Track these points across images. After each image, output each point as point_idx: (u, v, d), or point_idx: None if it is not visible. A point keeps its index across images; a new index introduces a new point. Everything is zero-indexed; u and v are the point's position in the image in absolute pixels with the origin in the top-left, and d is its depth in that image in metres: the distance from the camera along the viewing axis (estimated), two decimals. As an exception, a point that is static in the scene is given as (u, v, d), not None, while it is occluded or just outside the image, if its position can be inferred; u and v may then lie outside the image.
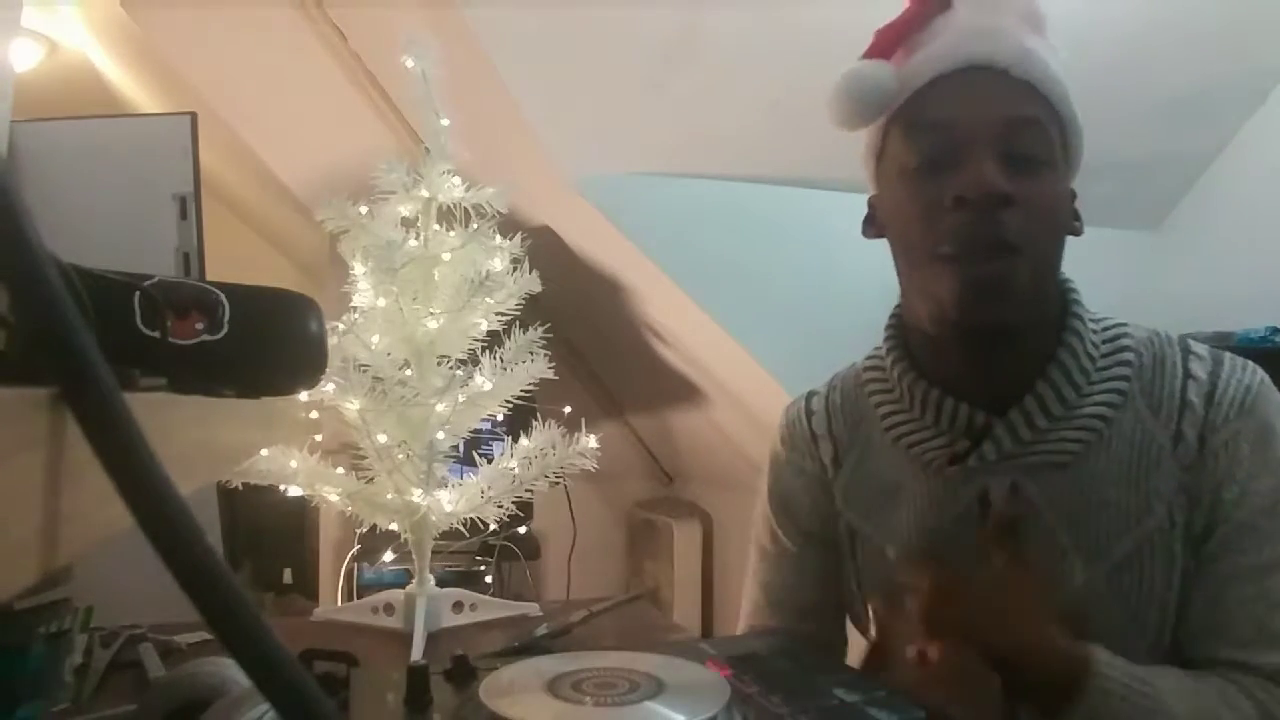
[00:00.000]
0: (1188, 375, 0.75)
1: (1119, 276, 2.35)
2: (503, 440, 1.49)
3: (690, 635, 1.83)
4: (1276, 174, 2.07)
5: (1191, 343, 0.78)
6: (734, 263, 2.03)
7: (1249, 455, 0.72)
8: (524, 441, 1.38)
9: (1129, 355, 0.76)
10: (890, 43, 0.77)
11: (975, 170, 0.69)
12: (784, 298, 2.05)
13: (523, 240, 1.39)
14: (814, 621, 0.91)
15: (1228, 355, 0.76)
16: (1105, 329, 0.78)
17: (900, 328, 0.83)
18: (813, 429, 0.91)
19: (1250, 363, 0.76)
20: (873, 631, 0.87)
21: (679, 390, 2.71)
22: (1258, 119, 2.10)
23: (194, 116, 1.50)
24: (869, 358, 0.88)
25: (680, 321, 2.30)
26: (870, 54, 0.77)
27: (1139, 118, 1.99)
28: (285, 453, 1.29)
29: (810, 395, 0.94)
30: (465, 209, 1.38)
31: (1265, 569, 0.71)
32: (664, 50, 1.73)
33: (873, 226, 0.82)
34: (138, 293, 0.40)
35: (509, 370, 1.36)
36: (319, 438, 1.35)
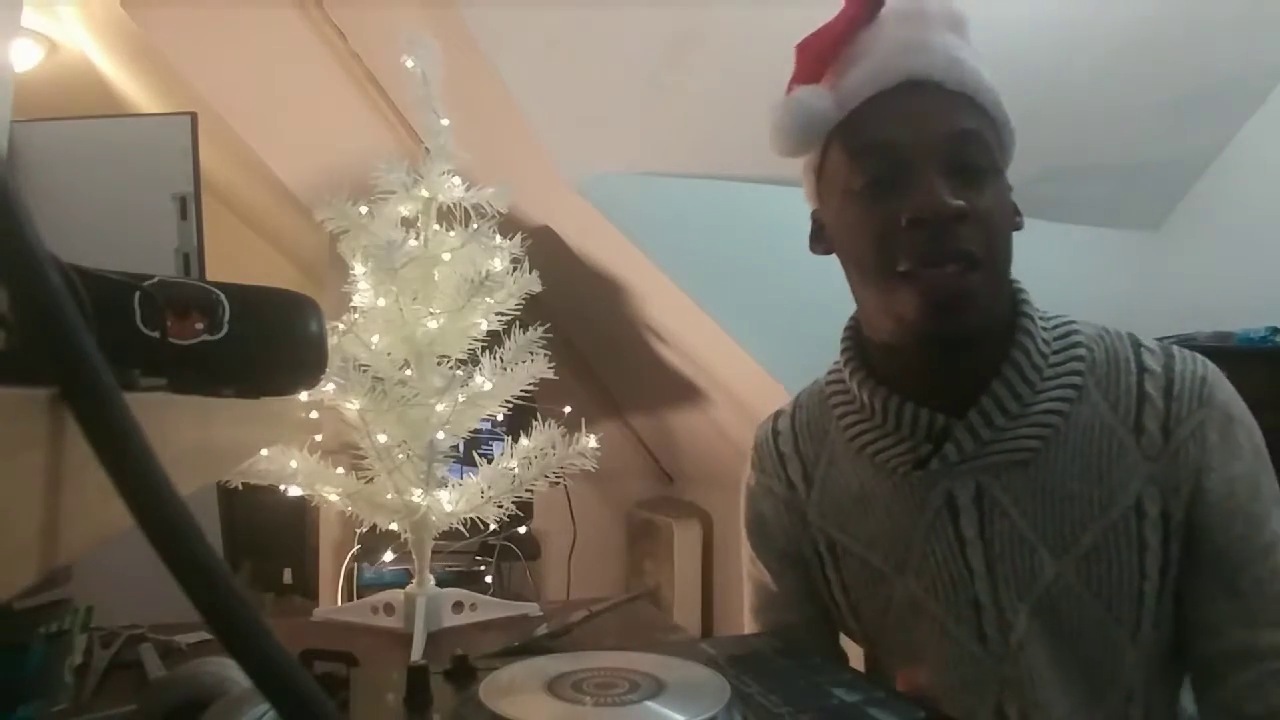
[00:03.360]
0: (1142, 369, 0.76)
1: (1119, 276, 2.35)
2: (503, 440, 1.49)
3: (690, 635, 1.83)
4: (1276, 174, 2.07)
5: (1140, 337, 0.79)
6: (734, 263, 2.03)
7: (1218, 443, 0.73)
8: (524, 441, 1.38)
9: (1081, 351, 0.77)
10: (818, 63, 0.77)
11: (927, 190, 0.69)
12: (784, 298, 2.05)
13: (523, 240, 1.39)
14: (807, 637, 0.91)
15: (1175, 348, 0.78)
16: (1055, 326, 0.79)
17: (856, 339, 0.84)
18: (779, 449, 0.92)
19: (1197, 354, 0.78)
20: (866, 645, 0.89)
21: (679, 390, 2.71)
22: (1258, 119, 2.10)
23: (194, 116, 1.50)
24: (831, 371, 0.88)
25: (680, 321, 2.30)
26: (798, 78, 0.78)
27: (1139, 118, 1.99)
28: (285, 453, 1.30)
29: (777, 415, 0.94)
30: (465, 209, 1.38)
31: (1268, 549, 0.73)
32: (664, 50, 1.73)
33: (820, 243, 0.83)
34: (138, 293, 0.40)
35: (509, 370, 1.37)
36: (319, 438, 1.35)
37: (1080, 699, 0.77)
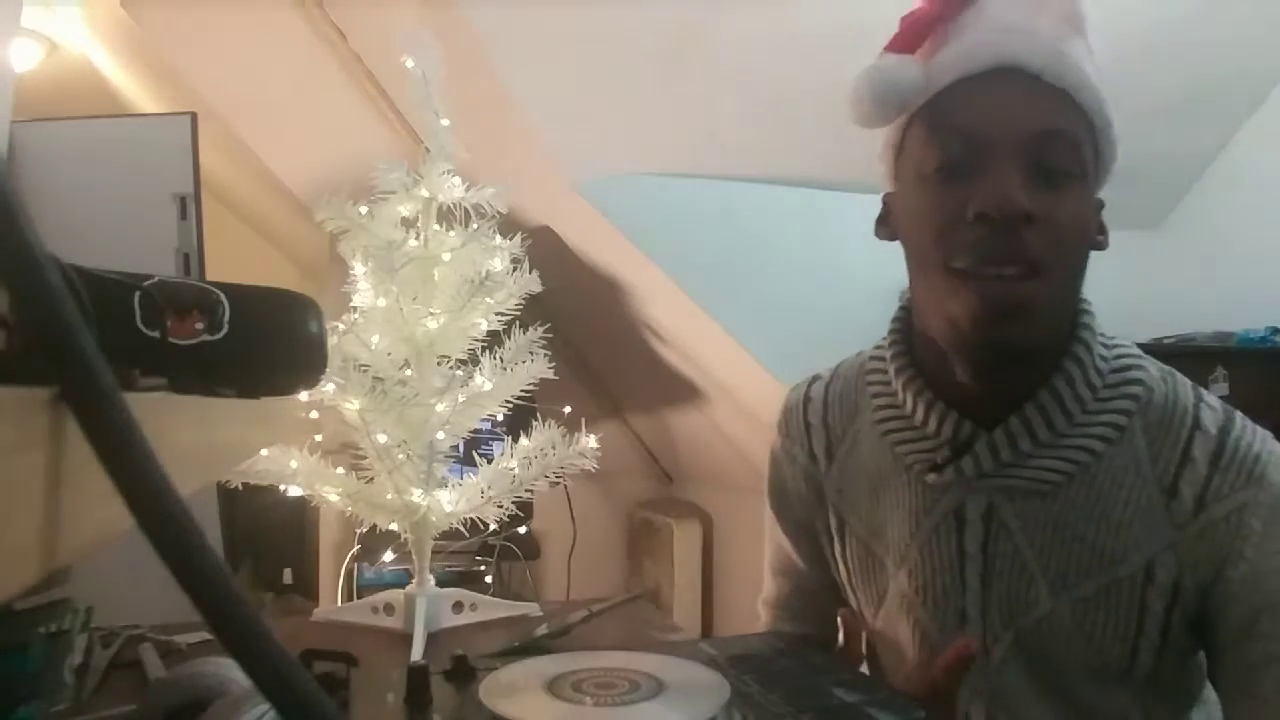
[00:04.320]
0: (1196, 426, 0.70)
1: (1119, 276, 2.34)
2: (503, 440, 1.49)
3: (690, 635, 1.83)
4: (1276, 174, 2.07)
5: (1204, 391, 0.73)
6: (734, 263, 2.03)
7: (1260, 531, 0.67)
8: (524, 441, 1.38)
9: (1136, 389, 0.72)
10: (916, 35, 0.72)
11: (999, 184, 0.65)
12: (784, 298, 2.05)
13: (523, 240, 1.39)
14: (820, 602, 0.91)
15: (1239, 414, 0.71)
16: (1118, 357, 0.73)
17: (905, 326, 0.80)
18: (807, 417, 0.89)
19: (1261, 429, 0.71)
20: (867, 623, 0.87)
21: (679, 390, 2.71)
22: (1258, 119, 2.10)
23: (194, 116, 1.50)
24: (876, 348, 0.85)
25: (680, 321, 2.30)
26: (894, 45, 0.72)
27: (1139, 118, 1.98)
28: (285, 453, 1.30)
29: (813, 381, 0.91)
30: (465, 209, 1.38)
31: None
32: (664, 50, 1.73)
33: (886, 227, 0.78)
34: (138, 293, 0.40)
35: (509, 370, 1.36)
36: (319, 438, 1.35)
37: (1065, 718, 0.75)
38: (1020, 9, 0.69)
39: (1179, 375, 0.75)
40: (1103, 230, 0.74)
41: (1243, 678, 0.69)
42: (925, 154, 0.70)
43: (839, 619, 0.83)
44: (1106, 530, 0.70)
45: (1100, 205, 0.73)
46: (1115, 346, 0.75)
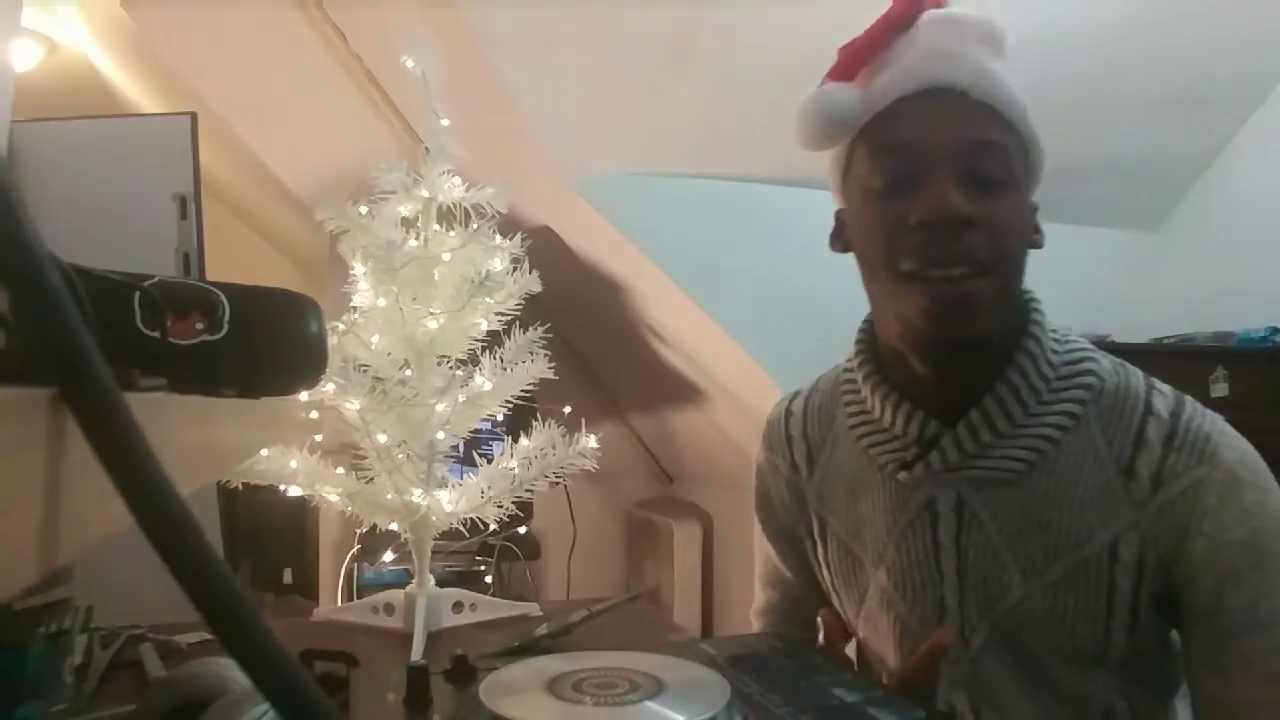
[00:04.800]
0: (1149, 410, 0.74)
1: (1119, 276, 2.35)
2: (503, 440, 1.49)
3: (690, 635, 1.83)
4: (1276, 174, 2.07)
5: (1155, 380, 0.78)
6: (734, 263, 2.03)
7: (1215, 506, 0.71)
8: (524, 441, 1.38)
9: (1089, 379, 0.76)
10: (854, 63, 0.78)
11: (938, 193, 0.70)
12: (784, 298, 2.06)
13: (523, 240, 1.39)
14: (807, 608, 0.94)
15: (1189, 399, 0.76)
16: (1069, 350, 0.78)
17: (870, 336, 0.85)
18: (788, 430, 0.94)
19: (1211, 411, 0.75)
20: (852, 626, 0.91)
21: (679, 390, 2.72)
22: (1258, 119, 2.10)
23: (194, 116, 1.50)
24: (848, 360, 0.89)
25: (680, 321, 2.30)
26: (834, 75, 0.79)
27: (1139, 118, 1.99)
28: (285, 453, 1.29)
29: (794, 396, 0.97)
30: (465, 209, 1.37)
31: (1267, 624, 0.70)
32: (664, 51, 1.73)
33: (839, 240, 0.83)
34: (138, 293, 0.40)
35: (509, 370, 1.36)
36: (319, 438, 1.35)
37: (1046, 708, 0.77)
38: (946, 35, 0.75)
39: (1130, 366, 0.79)
40: (1038, 230, 0.78)
41: (1210, 652, 0.72)
42: (870, 171, 0.75)
43: (819, 619, 0.86)
44: (1070, 513, 0.74)
45: (1034, 208, 0.78)
46: (1066, 340, 0.79)
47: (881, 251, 0.74)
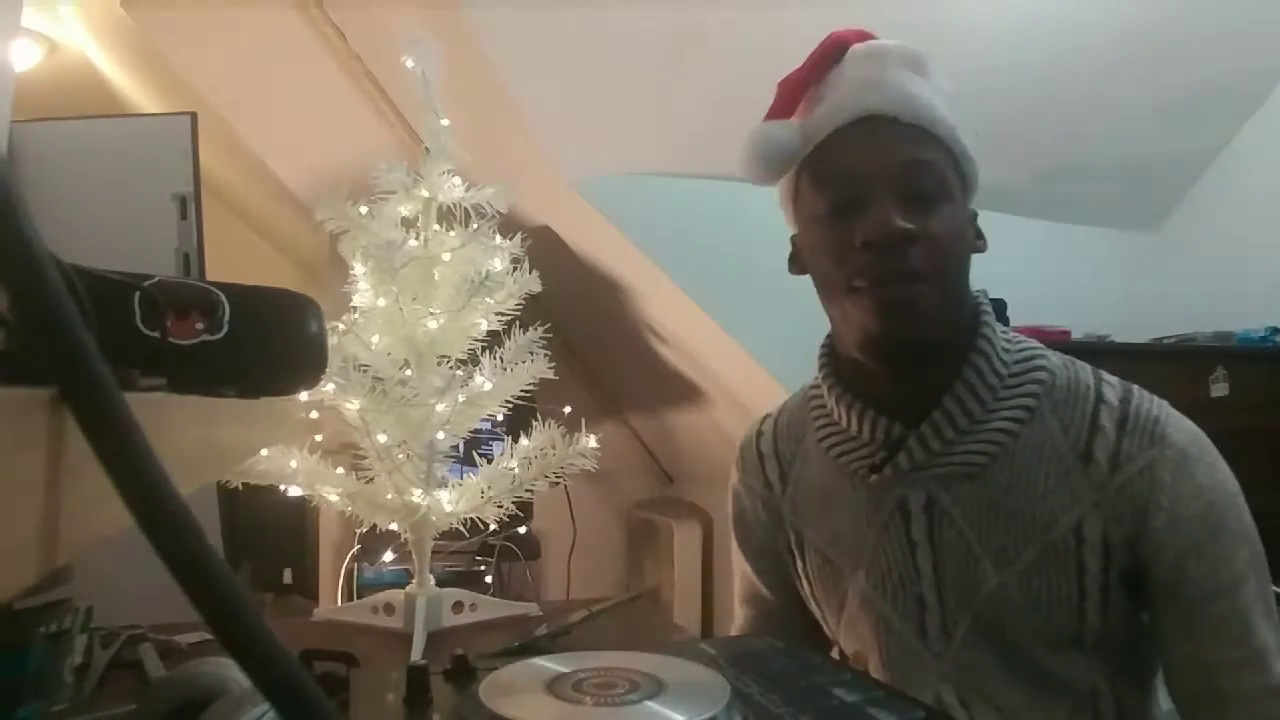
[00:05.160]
0: (1100, 399, 0.79)
1: (1119, 276, 2.35)
2: (503, 440, 1.49)
3: (690, 635, 1.83)
4: (1276, 174, 2.07)
5: (1103, 372, 0.82)
6: (734, 263, 2.03)
7: (1171, 482, 0.75)
8: (524, 441, 1.38)
9: (1040, 375, 0.80)
10: (790, 101, 0.84)
11: (878, 214, 0.75)
12: (784, 298, 2.05)
13: (523, 240, 1.39)
14: (786, 624, 0.98)
15: (1135, 386, 0.81)
16: (1020, 349, 0.82)
17: (831, 352, 0.90)
18: (760, 449, 0.99)
19: (1156, 396, 0.80)
20: (836, 637, 0.94)
21: (679, 390, 2.71)
22: (1258, 119, 2.10)
23: (194, 116, 1.50)
24: (814, 380, 0.93)
25: (680, 321, 2.30)
26: (774, 112, 0.84)
27: (1139, 118, 1.99)
28: (285, 453, 1.30)
29: (765, 419, 1.01)
30: (465, 209, 1.38)
31: (1230, 590, 0.74)
32: (664, 51, 1.73)
33: (796, 264, 0.88)
34: (138, 293, 0.40)
35: (509, 370, 1.36)
36: (319, 438, 1.35)
37: (1032, 694, 0.80)
38: (871, 66, 0.80)
39: (1079, 362, 0.84)
40: (980, 236, 0.83)
41: (1180, 622, 0.76)
42: (815, 199, 0.81)
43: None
44: (1033, 500, 0.78)
45: (973, 215, 0.83)
46: (1017, 340, 0.84)
47: (833, 271, 0.79)
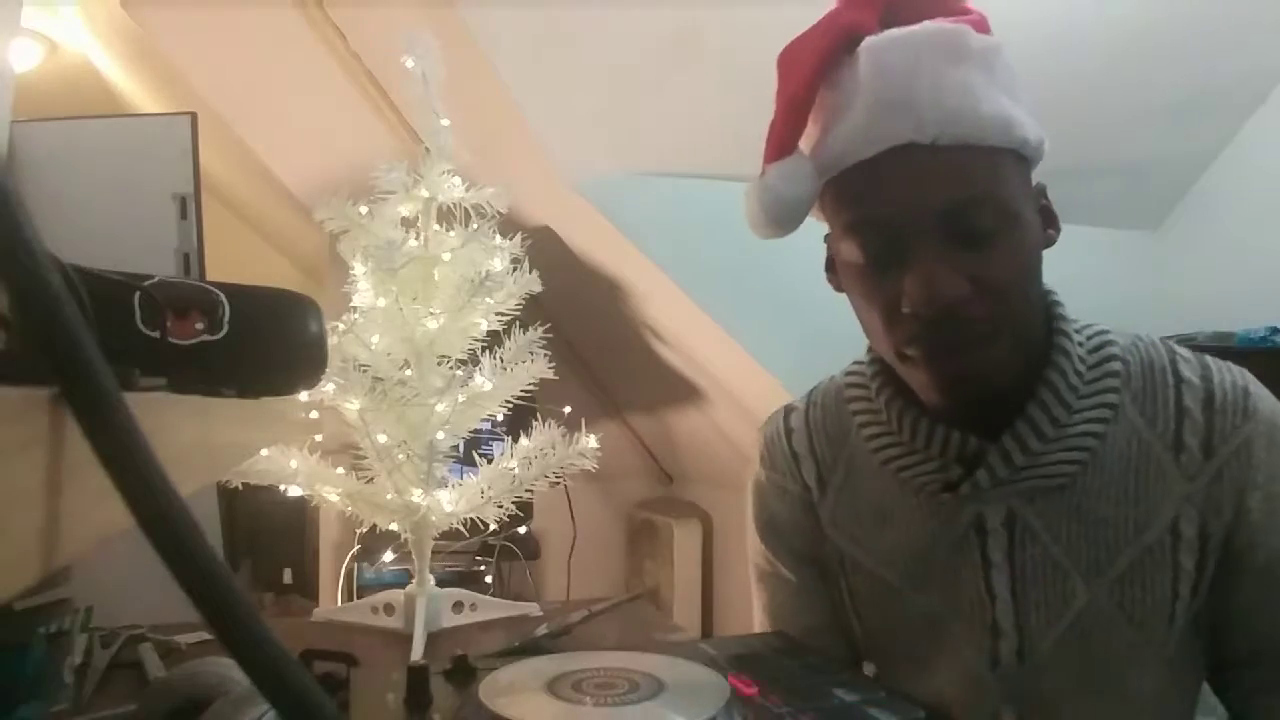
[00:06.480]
0: (1179, 380, 0.72)
1: (1119, 276, 2.35)
2: (503, 440, 1.49)
3: (690, 635, 1.83)
4: (1276, 174, 2.07)
5: (1175, 345, 0.76)
6: (734, 263, 2.03)
7: (1266, 458, 0.70)
8: (524, 441, 1.38)
9: (1116, 365, 0.73)
10: (797, 121, 0.69)
11: (923, 277, 0.64)
12: (784, 298, 2.05)
13: (523, 240, 1.39)
14: (823, 641, 0.87)
15: (1210, 357, 0.74)
16: (1090, 338, 0.74)
17: (883, 362, 0.79)
18: (793, 448, 0.87)
19: (1233, 364, 0.74)
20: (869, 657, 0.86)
21: (679, 390, 2.71)
22: (1258, 119, 2.10)
23: (194, 116, 1.50)
24: (849, 373, 0.85)
25: (680, 321, 2.29)
26: (777, 139, 0.70)
27: (1139, 118, 1.98)
28: (285, 453, 1.30)
29: (788, 412, 0.89)
30: (465, 209, 1.38)
31: None
32: (663, 50, 1.73)
33: (835, 277, 0.77)
34: (138, 293, 0.40)
35: (509, 370, 1.37)
36: (319, 438, 1.35)
37: (1105, 711, 0.75)
38: (896, 73, 0.65)
39: (1147, 338, 0.76)
40: (1051, 223, 0.72)
41: (1272, 594, 0.71)
42: (847, 246, 0.69)
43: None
44: (1127, 503, 0.71)
45: (1039, 195, 0.72)
46: (1084, 327, 0.76)
47: (881, 333, 0.70)
